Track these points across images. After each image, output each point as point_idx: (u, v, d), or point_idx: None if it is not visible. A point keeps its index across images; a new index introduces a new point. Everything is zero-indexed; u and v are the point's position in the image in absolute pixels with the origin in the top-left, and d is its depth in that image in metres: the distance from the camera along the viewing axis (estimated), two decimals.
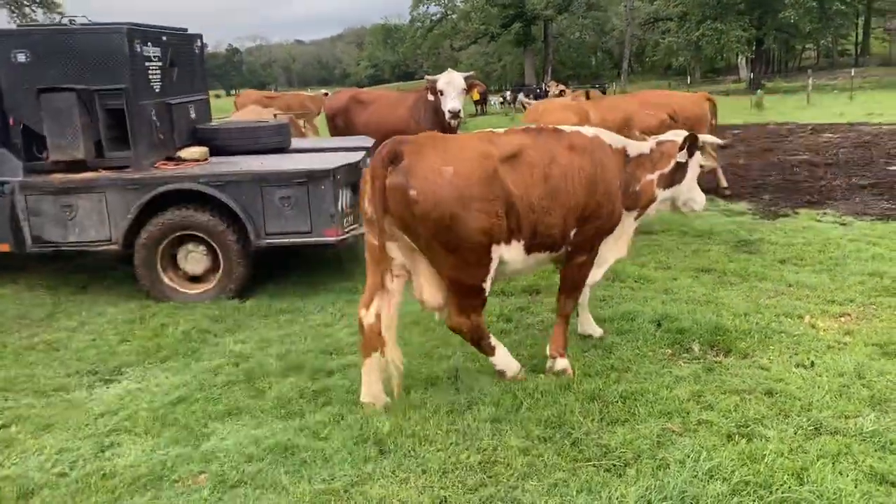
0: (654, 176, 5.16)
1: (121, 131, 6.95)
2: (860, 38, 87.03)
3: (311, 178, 6.73)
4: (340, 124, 10.81)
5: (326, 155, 7.81)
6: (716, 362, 4.93)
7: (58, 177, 6.81)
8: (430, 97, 9.59)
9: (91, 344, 5.88)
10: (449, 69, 9.90)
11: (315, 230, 6.84)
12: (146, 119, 7.04)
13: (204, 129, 8.10)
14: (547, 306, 6.32)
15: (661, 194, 5.24)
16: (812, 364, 4.82)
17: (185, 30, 8.31)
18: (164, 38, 7.50)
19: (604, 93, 45.19)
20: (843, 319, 5.72)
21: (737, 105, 35.24)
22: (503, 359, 4.76)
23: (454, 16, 58.49)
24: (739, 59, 70.50)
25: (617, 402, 4.35)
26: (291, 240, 6.89)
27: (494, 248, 4.37)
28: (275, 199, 6.77)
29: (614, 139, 5.07)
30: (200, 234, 6.85)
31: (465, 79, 9.50)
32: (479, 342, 4.63)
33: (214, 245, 6.86)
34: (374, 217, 4.30)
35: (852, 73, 39.25)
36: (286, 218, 6.82)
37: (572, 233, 4.72)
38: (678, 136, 5.32)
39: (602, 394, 4.45)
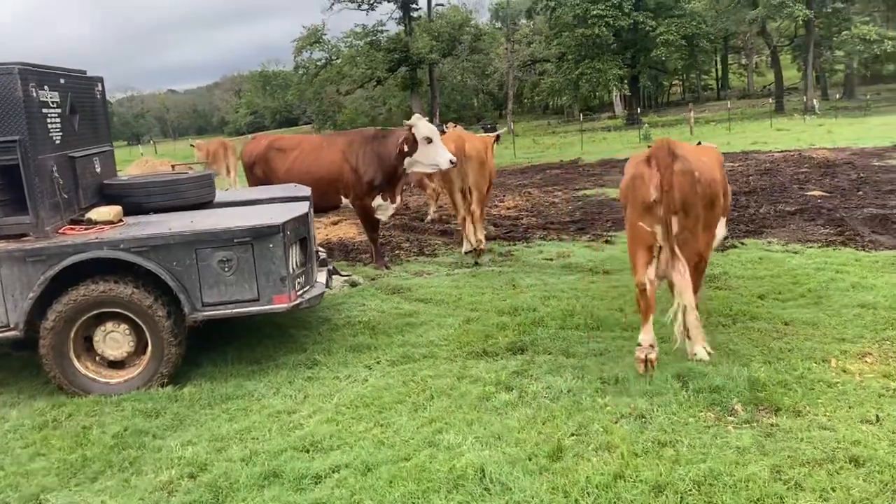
0: None
1: (15, 192, 5.71)
2: (720, 73, 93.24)
3: (256, 236, 5.73)
4: (259, 173, 9.81)
5: (263, 208, 6.81)
6: (771, 425, 4.30)
7: None
8: (405, 147, 8.98)
9: None
10: (417, 115, 9.40)
11: (263, 297, 5.82)
12: (46, 176, 5.83)
13: (113, 185, 6.92)
14: (544, 366, 5.57)
15: None
16: (878, 419, 4.27)
17: (84, 72, 7.15)
18: (63, 80, 6.34)
19: (494, 131, 45.89)
20: (868, 360, 5.27)
21: (625, 139, 36.32)
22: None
23: (339, 61, 57.91)
24: (614, 96, 73.68)
25: (691, 490, 3.61)
26: (235, 310, 5.82)
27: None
28: (213, 263, 5.71)
29: None
30: (122, 311, 5.68)
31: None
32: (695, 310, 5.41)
33: (140, 322, 5.70)
34: (659, 200, 5.19)
35: (728, 105, 41.48)
36: (227, 285, 5.76)
37: None
38: None
39: (669, 481, 3.70)
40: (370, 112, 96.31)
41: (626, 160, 19.47)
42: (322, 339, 6.80)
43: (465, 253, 10.31)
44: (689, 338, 5.43)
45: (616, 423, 4.49)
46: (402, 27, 59.14)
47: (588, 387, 5.08)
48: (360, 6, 57.98)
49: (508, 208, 14.54)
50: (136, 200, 6.76)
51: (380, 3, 58.30)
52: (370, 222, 9.68)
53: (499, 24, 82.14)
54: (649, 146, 5.61)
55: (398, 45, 56.62)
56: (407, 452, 4.32)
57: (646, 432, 4.31)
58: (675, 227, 5.25)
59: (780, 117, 47.90)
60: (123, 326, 5.76)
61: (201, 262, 5.69)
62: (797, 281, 7.61)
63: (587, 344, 6.06)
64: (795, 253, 9.16)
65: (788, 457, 3.90)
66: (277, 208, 6.60)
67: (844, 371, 5.07)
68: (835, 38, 54.16)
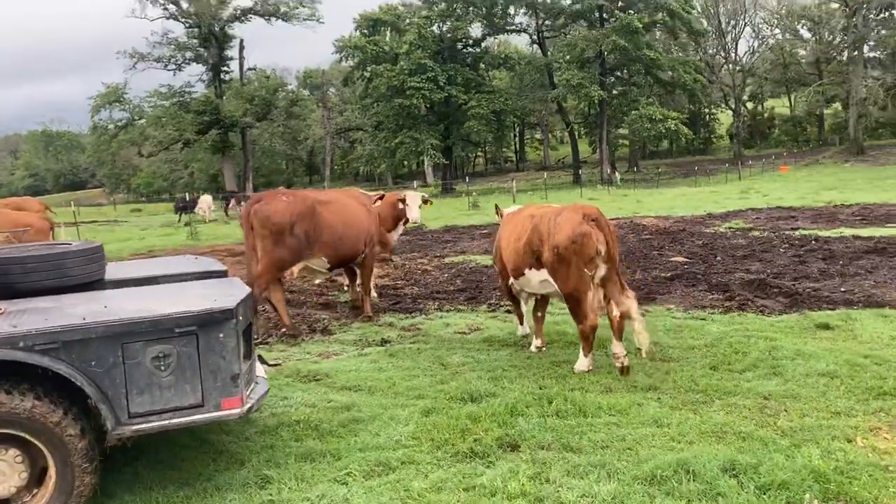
0: None
1: None
2: (518, 146, 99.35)
3: (203, 323, 4.50)
4: (300, 232, 8.89)
5: (184, 287, 5.52)
6: None
7: None
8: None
9: None
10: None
11: (209, 401, 4.56)
12: None
13: None
14: (556, 467, 4.80)
15: None
16: None
17: None
18: None
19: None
20: (886, 436, 5.07)
21: (454, 206, 36.89)
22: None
23: (142, 121, 54.29)
24: (426, 166, 75.80)
25: None
26: (173, 420, 4.50)
27: None
28: (145, 360, 4.39)
29: None
30: (14, 432, 4.17)
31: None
32: None
33: (41, 446, 4.21)
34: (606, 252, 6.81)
35: (545, 176, 43.68)
36: (163, 388, 4.45)
37: None
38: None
39: None
40: (170, 175, 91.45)
41: (469, 227, 21.61)
42: (256, 446, 5.54)
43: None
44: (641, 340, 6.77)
45: None
46: (211, 89, 56.88)
47: (630, 490, 4.38)
48: (166, 66, 55.14)
49: (381, 277, 13.70)
50: (6, 280, 5.19)
51: (188, 64, 55.84)
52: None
53: (306, 92, 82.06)
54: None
55: (208, 106, 54.30)
56: None
57: None
58: (607, 271, 6.90)
59: (581, 188, 51.46)
60: (13, 452, 4.22)
61: (129, 361, 4.35)
62: (736, 350, 7.48)
63: (584, 434, 5.38)
64: (703, 319, 9.18)
65: None
66: (210, 286, 5.36)
67: (876, 450, 4.81)
68: (624, 118, 59.68)
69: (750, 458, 4.63)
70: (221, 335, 4.55)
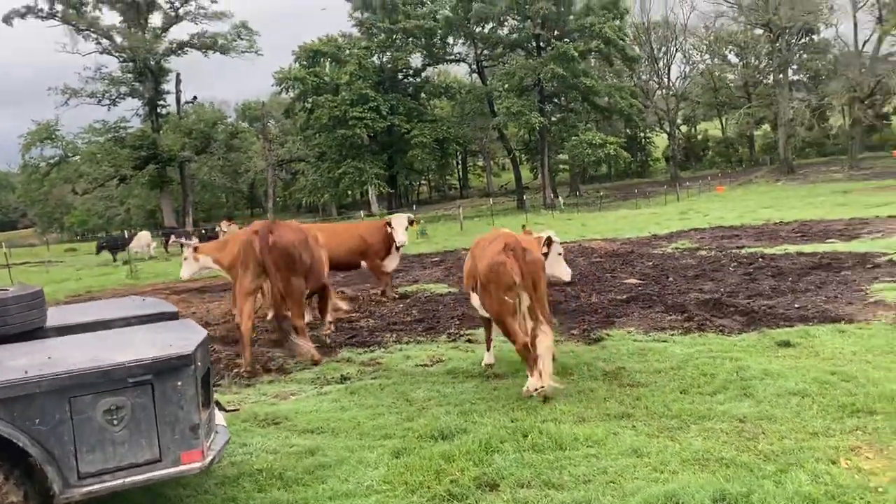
0: None
1: None
2: (461, 174, 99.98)
3: (159, 371, 4.17)
4: (307, 260, 9.25)
5: (135, 332, 5.15)
6: None
7: None
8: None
9: None
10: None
11: (167, 456, 4.22)
12: None
13: None
14: None
15: None
16: None
17: None
18: None
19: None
20: (867, 455, 5.01)
21: None
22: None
23: (76, 158, 52.67)
24: (371, 195, 75.55)
25: None
26: (127, 479, 4.13)
27: None
28: (96, 415, 4.03)
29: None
30: None
31: None
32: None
33: None
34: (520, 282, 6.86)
35: (491, 202, 43.85)
36: (116, 444, 4.10)
37: None
38: None
39: None
40: (105, 213, 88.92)
41: (419, 255, 21.35)
42: (217, 499, 5.18)
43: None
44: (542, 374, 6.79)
45: None
46: (148, 123, 55.68)
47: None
48: (100, 101, 53.75)
49: (335, 309, 13.33)
50: None
51: (123, 98, 54.59)
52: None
53: (246, 124, 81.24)
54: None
55: (145, 141, 53.07)
56: None
57: None
58: (529, 300, 6.91)
59: (526, 213, 51.86)
60: None
61: (77, 416, 3.99)
62: (704, 372, 7.42)
63: (564, 469, 5.18)
64: (665, 342, 9.11)
65: None
66: (163, 330, 5.01)
67: (862, 471, 4.73)
68: (564, 143, 60.60)
69: (739, 486, 4.50)
70: (179, 383, 4.22)
